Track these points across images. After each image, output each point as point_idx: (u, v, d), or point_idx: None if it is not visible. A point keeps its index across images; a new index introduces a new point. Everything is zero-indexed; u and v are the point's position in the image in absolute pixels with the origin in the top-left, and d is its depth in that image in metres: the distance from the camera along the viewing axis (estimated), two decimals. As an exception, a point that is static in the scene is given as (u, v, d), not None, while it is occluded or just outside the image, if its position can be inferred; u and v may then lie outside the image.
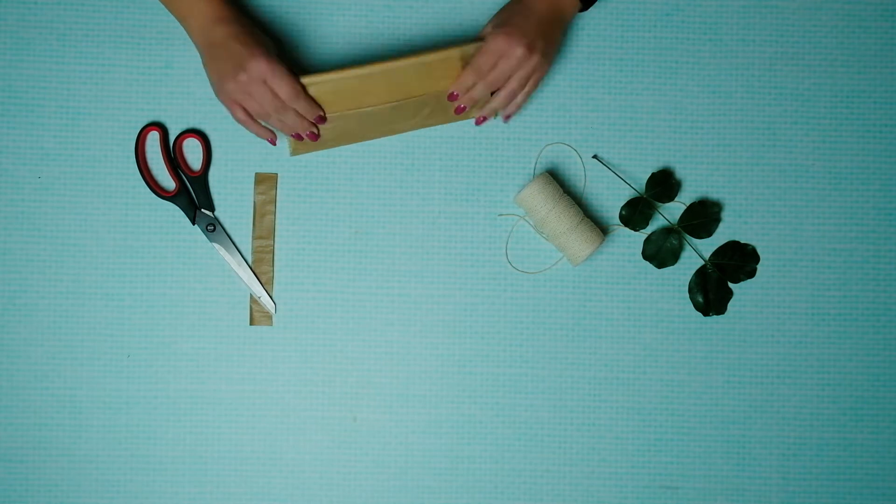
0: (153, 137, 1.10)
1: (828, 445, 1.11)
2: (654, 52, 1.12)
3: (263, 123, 1.04)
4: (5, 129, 1.09)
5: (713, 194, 1.12)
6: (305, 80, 1.01)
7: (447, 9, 1.11)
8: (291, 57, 1.10)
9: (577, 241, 1.06)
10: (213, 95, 1.10)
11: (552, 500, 1.10)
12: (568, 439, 1.11)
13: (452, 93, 1.04)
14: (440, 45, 1.06)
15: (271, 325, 1.10)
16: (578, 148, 1.11)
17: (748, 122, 1.12)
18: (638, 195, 1.11)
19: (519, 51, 1.00)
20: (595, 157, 1.11)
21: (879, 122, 1.12)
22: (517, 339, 1.11)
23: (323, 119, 1.04)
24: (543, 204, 1.06)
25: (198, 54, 1.10)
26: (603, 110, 1.11)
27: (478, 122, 1.08)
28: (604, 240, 1.08)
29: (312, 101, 1.02)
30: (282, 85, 0.99)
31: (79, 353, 1.09)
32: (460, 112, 1.05)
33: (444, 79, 1.03)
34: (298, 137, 1.04)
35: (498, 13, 1.04)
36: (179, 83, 1.10)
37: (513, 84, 1.02)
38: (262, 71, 0.98)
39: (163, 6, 1.10)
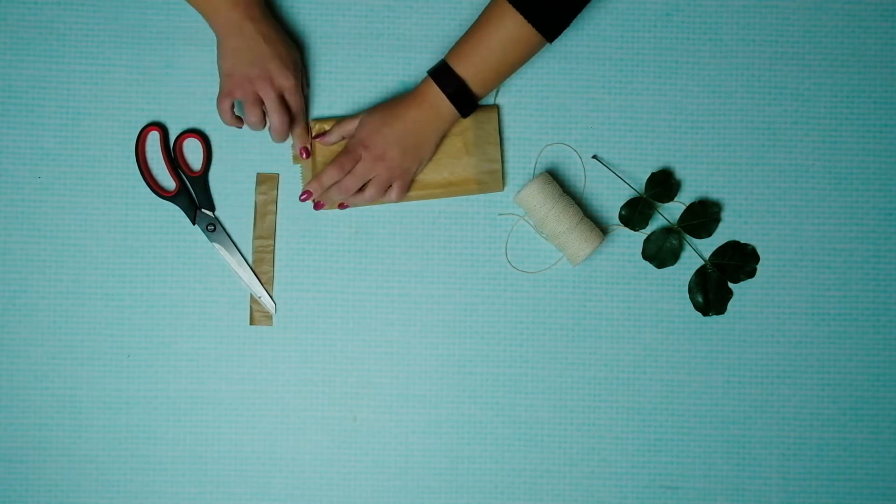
0: (153, 137, 1.10)
1: (828, 445, 1.11)
2: (655, 52, 1.12)
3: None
4: (5, 129, 1.09)
5: (713, 194, 1.12)
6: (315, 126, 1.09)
7: (447, 9, 1.11)
8: (291, 57, 1.10)
9: (577, 240, 1.06)
10: (213, 95, 1.10)
11: (552, 500, 1.10)
12: (568, 439, 1.11)
13: (305, 192, 1.06)
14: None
15: (271, 325, 1.10)
16: (578, 148, 1.11)
17: (748, 122, 1.12)
18: (638, 195, 1.11)
19: (374, 157, 1.03)
20: (595, 157, 1.11)
21: (879, 122, 1.12)
22: (517, 339, 1.11)
23: (308, 152, 1.08)
24: (543, 204, 1.06)
25: (199, 54, 1.10)
26: (603, 110, 1.11)
27: (316, 208, 1.08)
28: (603, 240, 1.08)
29: (308, 131, 1.08)
30: (297, 102, 1.05)
31: (79, 353, 1.09)
32: (318, 208, 1.08)
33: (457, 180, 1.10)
34: (280, 139, 1.07)
35: (373, 110, 1.05)
36: (179, 83, 1.10)
37: (370, 190, 1.05)
38: (287, 83, 1.03)
39: (167, 6, 1.10)
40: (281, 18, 1.10)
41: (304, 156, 1.07)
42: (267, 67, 1.02)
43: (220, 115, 1.04)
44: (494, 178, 1.09)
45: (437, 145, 1.06)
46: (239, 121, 1.06)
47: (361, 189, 1.06)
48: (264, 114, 1.04)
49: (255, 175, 1.10)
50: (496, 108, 1.10)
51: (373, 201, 1.07)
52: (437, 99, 1.02)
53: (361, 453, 1.10)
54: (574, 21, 1.07)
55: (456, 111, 1.03)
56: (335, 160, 1.05)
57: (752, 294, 1.12)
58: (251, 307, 1.10)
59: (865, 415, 1.11)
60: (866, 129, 1.13)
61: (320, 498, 1.10)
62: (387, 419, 1.10)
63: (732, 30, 1.12)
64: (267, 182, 1.10)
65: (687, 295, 1.11)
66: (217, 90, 1.10)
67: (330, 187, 1.05)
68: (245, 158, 1.10)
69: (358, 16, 1.11)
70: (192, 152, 1.10)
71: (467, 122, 1.08)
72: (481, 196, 1.11)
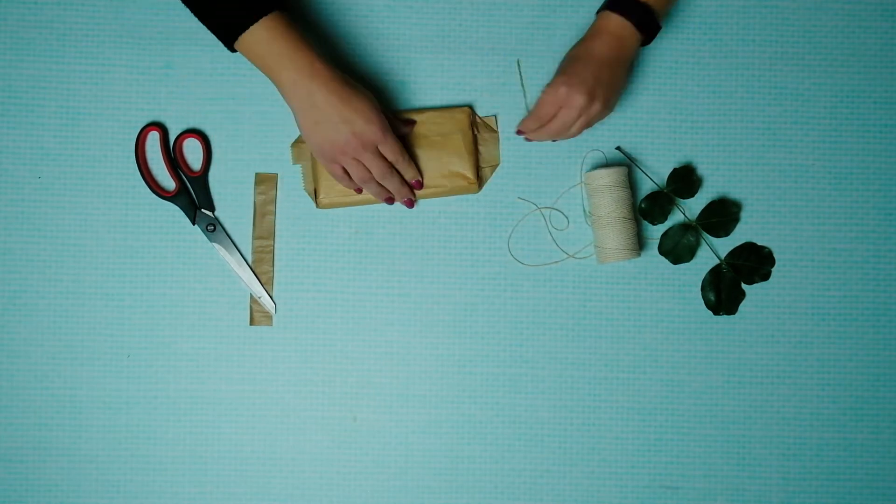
0: (153, 137, 1.10)
1: (828, 445, 1.11)
2: (655, 51, 1.12)
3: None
4: (5, 129, 1.09)
5: (714, 194, 1.12)
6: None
7: (447, 9, 1.11)
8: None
9: (619, 237, 1.06)
10: (214, 96, 1.10)
11: (552, 500, 1.10)
12: (568, 439, 1.11)
13: (518, 130, 1.06)
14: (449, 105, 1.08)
15: (271, 325, 1.10)
16: (578, 148, 1.11)
17: (748, 123, 1.12)
18: (658, 189, 1.11)
19: (579, 100, 1.00)
20: (618, 148, 1.11)
21: (880, 122, 1.12)
22: (517, 338, 1.11)
23: (421, 184, 1.08)
24: (615, 183, 1.06)
25: (199, 54, 1.10)
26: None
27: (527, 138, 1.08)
28: (638, 255, 1.08)
29: (413, 163, 1.06)
30: (392, 148, 1.02)
31: (79, 353, 1.09)
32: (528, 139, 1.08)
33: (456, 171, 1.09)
34: (390, 202, 1.07)
35: (563, 60, 1.03)
36: (179, 83, 1.10)
37: (573, 130, 1.04)
38: (376, 137, 1.00)
39: (167, 6, 1.10)
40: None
41: (416, 188, 1.08)
42: (352, 131, 0.99)
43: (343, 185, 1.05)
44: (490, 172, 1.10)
45: (628, 77, 1.04)
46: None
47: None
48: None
49: (255, 175, 1.10)
50: (494, 116, 1.11)
51: (573, 136, 1.05)
52: (621, 29, 1.00)
53: (361, 453, 1.10)
54: None
55: (640, 38, 1.01)
56: (538, 119, 1.03)
57: (753, 295, 1.12)
58: (251, 307, 1.10)
59: (865, 415, 1.11)
60: (866, 129, 1.12)
61: (320, 498, 1.10)
62: (387, 419, 1.10)
63: (732, 30, 1.12)
64: (266, 182, 1.10)
65: (692, 294, 1.11)
66: (216, 91, 1.10)
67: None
68: (244, 158, 1.10)
69: (358, 16, 1.11)
70: (192, 152, 1.10)
71: (467, 122, 1.08)
72: (481, 196, 1.11)
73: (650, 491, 1.11)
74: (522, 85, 1.10)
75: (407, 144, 1.08)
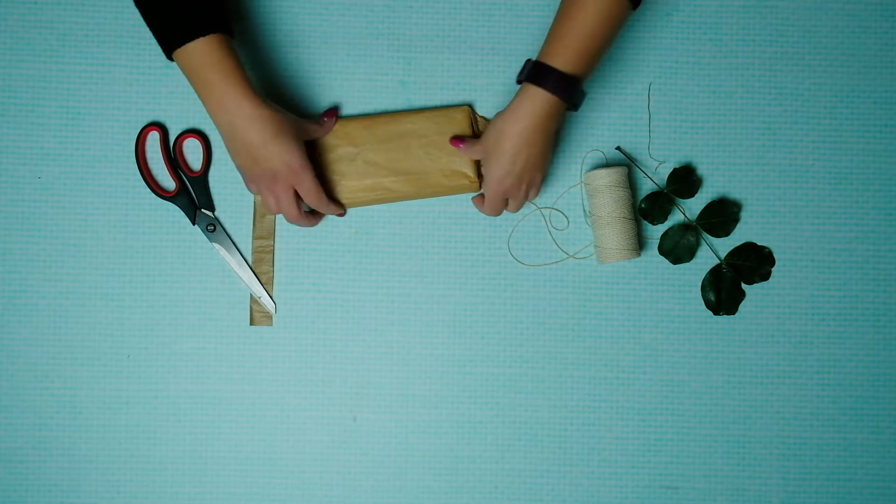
0: (153, 137, 1.10)
1: (828, 445, 1.11)
2: (656, 51, 1.12)
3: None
4: (5, 129, 1.09)
5: (712, 195, 1.12)
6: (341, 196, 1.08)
7: (447, 9, 1.11)
8: (291, 59, 1.10)
9: (619, 237, 1.06)
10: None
11: (552, 500, 1.10)
12: (568, 439, 1.11)
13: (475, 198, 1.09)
14: (449, 105, 1.10)
15: (271, 325, 1.10)
16: (578, 147, 1.11)
17: (748, 123, 1.12)
18: (658, 189, 1.11)
19: (520, 191, 1.03)
20: (618, 148, 1.11)
21: (880, 122, 1.12)
22: (517, 338, 1.11)
23: (342, 215, 1.10)
24: (615, 183, 1.06)
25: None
26: (603, 110, 1.11)
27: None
28: (638, 255, 1.08)
29: (332, 204, 1.05)
30: (308, 190, 1.01)
31: (79, 353, 1.09)
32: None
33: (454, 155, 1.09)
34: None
35: (488, 133, 1.01)
36: (179, 83, 1.10)
37: (514, 205, 1.06)
38: (290, 180, 1.00)
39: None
40: (283, 20, 1.10)
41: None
42: (267, 168, 0.98)
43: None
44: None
45: (551, 144, 1.02)
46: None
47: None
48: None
49: (255, 175, 1.10)
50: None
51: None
52: (543, 102, 0.97)
53: (361, 453, 1.10)
54: None
55: (563, 104, 0.98)
56: (488, 206, 1.05)
57: (753, 295, 1.12)
58: (251, 307, 1.10)
59: (865, 415, 1.11)
60: (866, 129, 1.13)
61: (320, 498, 1.10)
62: (387, 419, 1.10)
63: (732, 30, 1.12)
64: (267, 182, 1.10)
65: (691, 294, 1.11)
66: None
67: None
68: (245, 158, 1.10)
69: (358, 16, 1.11)
70: (192, 152, 1.10)
71: (466, 121, 1.08)
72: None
73: (650, 491, 1.11)
74: (649, 110, 1.10)
75: (403, 144, 1.08)
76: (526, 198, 1.05)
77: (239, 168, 1.00)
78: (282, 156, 0.98)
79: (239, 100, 0.95)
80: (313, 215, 1.08)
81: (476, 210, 1.11)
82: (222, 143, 1.10)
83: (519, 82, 0.99)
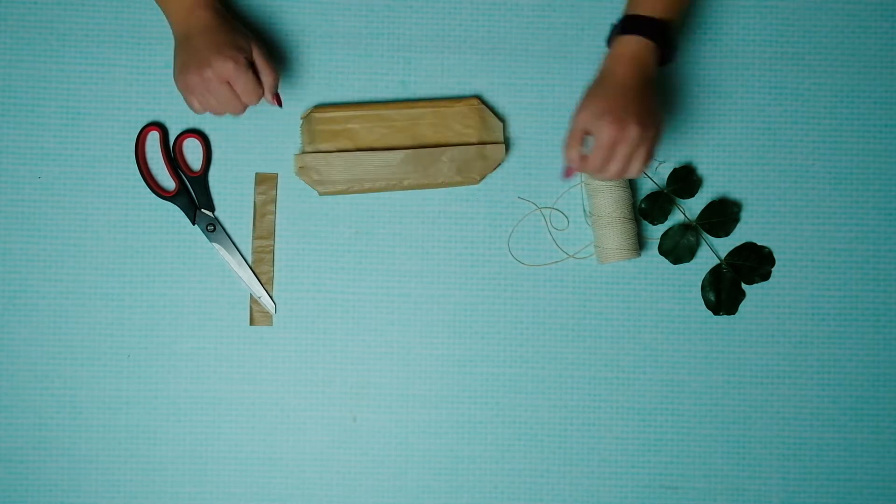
0: (153, 137, 1.10)
1: (828, 445, 1.11)
2: (654, 52, 1.12)
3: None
4: (5, 129, 1.09)
5: (712, 195, 1.12)
6: (317, 114, 1.07)
7: (447, 9, 1.11)
8: (292, 59, 1.10)
9: (619, 237, 1.06)
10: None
11: (552, 500, 1.10)
12: (568, 439, 1.11)
13: (569, 169, 1.00)
14: (457, 96, 1.10)
15: (271, 325, 1.10)
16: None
17: (748, 123, 1.12)
18: (658, 189, 1.11)
19: (633, 132, 0.95)
20: None
21: (880, 122, 1.12)
22: (517, 338, 1.11)
23: (278, 100, 1.02)
24: (617, 184, 1.06)
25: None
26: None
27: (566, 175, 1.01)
28: (638, 255, 1.08)
29: (268, 98, 1.01)
30: (245, 88, 0.98)
31: (79, 353, 1.09)
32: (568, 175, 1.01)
33: (460, 132, 1.09)
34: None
35: (589, 97, 0.97)
36: (179, 83, 1.10)
37: (634, 164, 0.97)
38: (227, 72, 0.96)
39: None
40: (283, 20, 1.10)
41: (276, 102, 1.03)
42: (204, 63, 0.97)
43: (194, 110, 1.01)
44: (497, 150, 1.09)
45: (655, 96, 0.98)
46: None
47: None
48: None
49: (255, 175, 1.10)
50: (502, 120, 1.11)
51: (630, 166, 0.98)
52: (638, 49, 0.96)
53: (361, 453, 1.10)
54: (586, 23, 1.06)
55: (658, 55, 0.97)
56: (593, 165, 0.96)
57: (753, 295, 1.12)
58: (251, 307, 1.10)
59: (865, 415, 1.11)
60: (866, 129, 1.13)
61: (320, 498, 1.10)
62: (387, 419, 1.10)
63: (732, 30, 1.12)
64: (266, 182, 1.10)
65: (691, 294, 1.11)
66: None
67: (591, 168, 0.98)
68: (244, 158, 1.10)
69: (358, 16, 1.11)
70: (192, 152, 1.10)
71: (473, 112, 1.08)
72: (481, 196, 1.11)
73: (650, 491, 1.11)
74: None
75: (410, 133, 1.08)
76: (642, 150, 0.96)
77: (181, 65, 0.98)
78: (228, 55, 0.97)
79: (200, 8, 0.98)
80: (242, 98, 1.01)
81: (476, 210, 1.11)
82: (222, 143, 1.10)
83: (610, 41, 1.00)
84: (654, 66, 0.99)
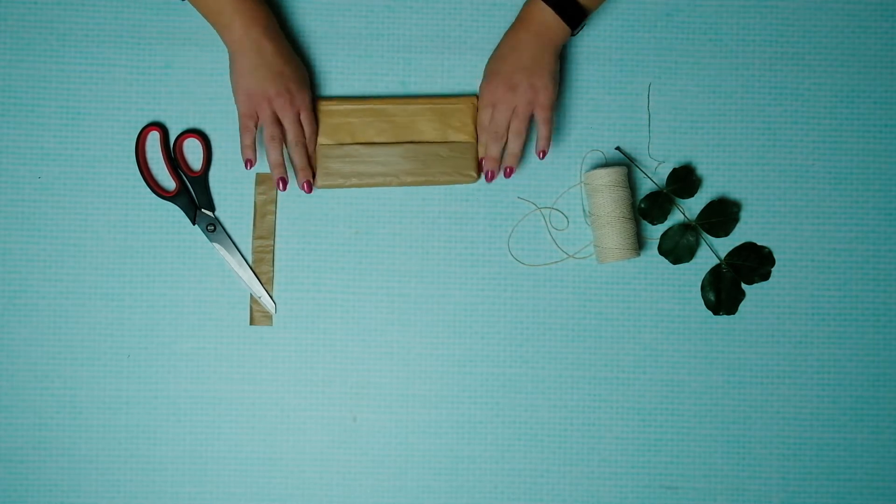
0: (153, 137, 1.10)
1: (828, 445, 1.11)
2: (655, 52, 1.12)
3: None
4: (5, 129, 1.09)
5: (712, 195, 1.12)
6: (321, 104, 1.08)
7: (447, 9, 1.11)
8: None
9: (618, 236, 1.06)
10: (214, 96, 1.10)
11: (552, 500, 1.10)
12: (568, 439, 1.11)
13: (488, 172, 1.07)
14: (456, 94, 1.10)
15: (271, 325, 1.10)
16: (577, 147, 1.11)
17: (748, 123, 1.12)
18: (658, 189, 1.11)
19: (503, 93, 1.04)
20: (618, 148, 1.11)
21: (880, 122, 1.12)
22: (517, 338, 1.11)
23: (309, 186, 1.07)
24: (614, 183, 1.06)
25: (199, 54, 1.10)
26: (603, 110, 1.11)
27: (488, 179, 1.08)
28: (637, 255, 1.08)
29: (310, 158, 1.07)
30: (310, 122, 1.06)
31: (79, 353, 1.09)
32: (490, 179, 1.07)
33: (459, 130, 1.08)
34: (282, 183, 1.06)
35: (488, 63, 1.07)
36: (179, 83, 1.10)
37: (516, 124, 1.05)
38: (303, 104, 1.05)
39: (167, 6, 1.10)
40: (283, 20, 1.10)
41: (305, 188, 1.07)
42: (287, 86, 1.03)
43: (243, 142, 1.04)
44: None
45: (558, 63, 1.05)
46: (254, 153, 1.06)
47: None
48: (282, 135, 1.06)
49: (255, 175, 1.10)
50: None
51: (525, 135, 1.06)
52: (547, 17, 1.02)
53: (361, 453, 1.10)
54: None
55: (566, 27, 1.03)
56: (479, 124, 1.07)
57: (753, 295, 1.12)
58: (251, 307, 1.10)
59: (865, 415, 1.11)
60: (866, 129, 1.13)
61: (320, 498, 1.10)
62: (387, 419, 1.10)
63: (732, 30, 1.12)
64: (266, 182, 1.10)
65: (691, 294, 1.11)
66: (216, 91, 1.10)
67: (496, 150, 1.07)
68: (245, 158, 1.10)
69: (358, 16, 1.11)
70: (192, 152, 1.10)
71: (471, 111, 1.08)
72: (481, 196, 1.11)
73: (650, 491, 1.11)
74: (649, 110, 1.10)
75: (409, 129, 1.08)
76: (527, 104, 1.04)
77: (248, 89, 1.02)
78: (303, 79, 1.05)
79: (269, 23, 1.03)
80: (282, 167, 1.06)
81: (476, 210, 1.11)
82: (223, 143, 1.10)
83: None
84: (557, 36, 1.03)
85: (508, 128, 1.06)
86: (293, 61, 1.05)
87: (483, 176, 1.08)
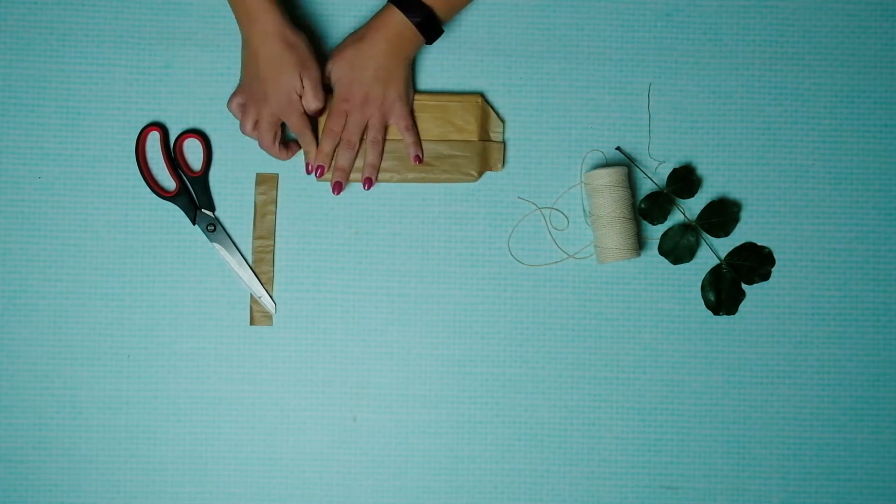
0: (153, 137, 1.10)
1: (828, 445, 1.11)
2: (655, 52, 1.12)
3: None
4: (5, 129, 1.09)
5: (713, 194, 1.12)
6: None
7: (447, 9, 1.11)
8: (291, 57, 1.10)
9: (619, 236, 1.06)
10: (214, 96, 1.10)
11: (552, 500, 1.10)
12: (568, 439, 1.11)
13: (317, 167, 1.07)
14: (459, 91, 1.10)
15: (271, 325, 1.10)
16: (577, 147, 1.11)
17: (748, 123, 1.12)
18: (658, 189, 1.11)
19: (359, 104, 1.04)
20: (618, 148, 1.11)
21: (880, 122, 1.12)
22: (517, 338, 1.11)
23: (321, 170, 1.07)
24: (615, 183, 1.06)
25: (199, 54, 1.10)
26: (603, 110, 1.11)
27: (365, 187, 1.08)
28: (638, 255, 1.08)
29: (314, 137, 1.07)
30: (315, 98, 1.04)
31: (79, 353, 1.09)
32: (337, 190, 1.07)
33: (461, 128, 1.08)
34: (320, 172, 1.07)
35: (337, 57, 1.05)
36: (179, 83, 1.10)
37: (373, 134, 1.06)
38: (320, 107, 1.04)
39: (167, 6, 1.10)
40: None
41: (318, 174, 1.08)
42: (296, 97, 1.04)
43: (324, 148, 1.06)
44: (497, 149, 1.09)
45: (410, 67, 1.06)
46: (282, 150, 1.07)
47: (371, 145, 1.07)
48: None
49: (255, 175, 1.10)
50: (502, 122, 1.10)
51: (382, 145, 1.07)
52: (403, 28, 1.02)
53: (361, 453, 1.10)
54: (575, 20, 1.08)
55: (422, 38, 1.03)
56: (325, 128, 1.06)
57: (753, 295, 1.12)
58: (251, 307, 1.10)
59: (865, 415, 1.11)
60: (866, 129, 1.13)
61: (320, 498, 1.10)
62: (387, 419, 1.10)
63: (732, 30, 1.12)
64: (266, 182, 1.10)
65: (691, 294, 1.11)
66: (216, 91, 1.10)
67: (335, 153, 1.07)
68: (245, 158, 1.10)
69: (358, 16, 1.11)
70: (192, 152, 1.10)
71: (477, 109, 1.08)
72: (482, 196, 1.11)
73: (650, 491, 1.11)
74: (649, 110, 1.10)
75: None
76: (382, 130, 1.06)
77: (277, 94, 1.02)
78: (319, 89, 1.04)
79: (284, 28, 1.01)
80: (286, 147, 1.08)
81: (476, 210, 1.11)
82: (223, 143, 1.10)
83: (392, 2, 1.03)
84: (411, 45, 1.03)
85: (361, 138, 1.07)
86: (295, 43, 1.03)
87: (416, 161, 1.09)
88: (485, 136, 1.09)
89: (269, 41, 1.00)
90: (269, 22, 1.00)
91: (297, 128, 1.05)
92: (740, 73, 1.12)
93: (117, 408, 1.09)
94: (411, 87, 1.07)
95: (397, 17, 1.02)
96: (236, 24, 1.10)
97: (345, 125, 1.06)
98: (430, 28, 1.03)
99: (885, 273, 1.12)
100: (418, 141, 1.07)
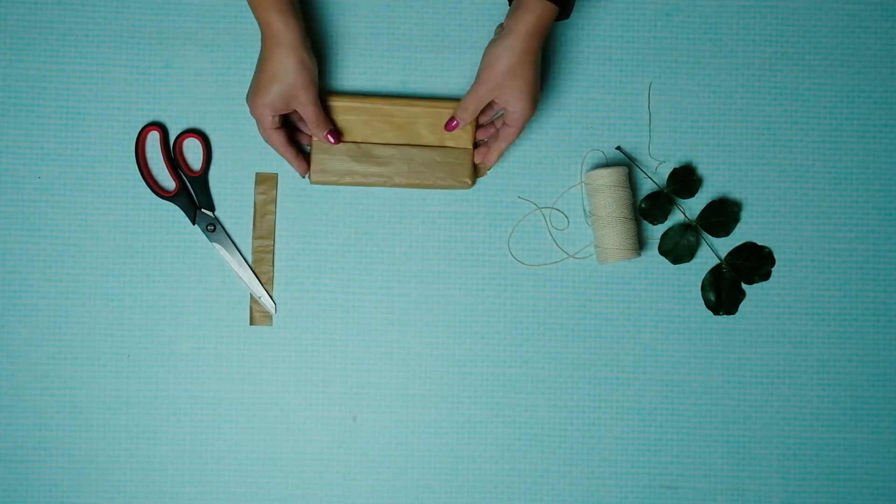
0: (153, 137, 1.10)
1: (828, 445, 1.11)
2: (655, 52, 1.12)
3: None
4: (5, 129, 1.09)
5: (712, 194, 1.12)
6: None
7: (447, 9, 1.11)
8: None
9: (619, 237, 1.06)
10: (214, 96, 1.10)
11: (552, 500, 1.10)
12: (568, 439, 1.11)
13: (454, 121, 1.06)
14: (457, 98, 1.09)
15: (271, 325, 1.10)
16: (577, 147, 1.11)
17: (748, 123, 1.12)
18: (658, 189, 1.11)
19: (532, 111, 1.02)
20: (618, 148, 1.11)
21: (879, 122, 1.12)
22: (517, 338, 1.11)
23: (336, 136, 1.06)
24: (615, 183, 1.06)
25: (199, 54, 1.10)
26: (603, 110, 1.12)
27: (448, 128, 1.07)
28: (638, 255, 1.08)
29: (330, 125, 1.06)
30: (307, 112, 1.03)
31: (79, 353, 1.09)
32: (452, 127, 1.07)
33: (456, 136, 1.08)
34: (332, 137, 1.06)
35: (494, 53, 1.00)
36: (179, 83, 1.10)
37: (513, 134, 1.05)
38: (292, 96, 1.01)
39: (167, 6, 1.10)
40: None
41: (333, 140, 1.07)
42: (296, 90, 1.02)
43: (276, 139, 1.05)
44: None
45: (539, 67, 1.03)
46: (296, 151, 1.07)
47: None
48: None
49: (255, 175, 1.10)
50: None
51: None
52: (544, 11, 0.98)
53: (361, 453, 1.10)
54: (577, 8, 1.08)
55: (556, 11, 0.99)
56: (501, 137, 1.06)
57: (753, 295, 1.12)
58: (251, 307, 1.10)
59: (865, 415, 1.11)
60: (866, 129, 1.13)
61: (320, 498, 1.10)
62: (387, 419, 1.10)
63: (732, 30, 1.12)
64: (266, 182, 1.10)
65: (691, 294, 1.11)
66: (216, 91, 1.10)
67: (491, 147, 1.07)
68: (245, 158, 1.10)
69: (358, 16, 1.11)
70: (192, 152, 1.10)
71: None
72: (482, 196, 1.11)
73: (650, 491, 1.11)
74: (649, 110, 1.10)
75: (406, 131, 1.08)
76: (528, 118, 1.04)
77: (299, 83, 1.01)
78: (293, 74, 1.01)
79: (298, 30, 0.99)
80: (301, 157, 1.07)
81: (476, 210, 1.11)
82: (222, 143, 1.10)
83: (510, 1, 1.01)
84: (549, 28, 1.00)
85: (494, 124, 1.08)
86: (293, 55, 1.02)
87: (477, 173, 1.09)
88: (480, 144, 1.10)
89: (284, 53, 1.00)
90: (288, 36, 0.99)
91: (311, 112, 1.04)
92: (740, 73, 1.12)
93: (117, 408, 1.09)
94: (539, 87, 1.04)
95: (538, 5, 0.98)
96: (236, 24, 1.10)
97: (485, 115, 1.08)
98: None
99: (885, 273, 1.12)
100: (501, 152, 1.07)
